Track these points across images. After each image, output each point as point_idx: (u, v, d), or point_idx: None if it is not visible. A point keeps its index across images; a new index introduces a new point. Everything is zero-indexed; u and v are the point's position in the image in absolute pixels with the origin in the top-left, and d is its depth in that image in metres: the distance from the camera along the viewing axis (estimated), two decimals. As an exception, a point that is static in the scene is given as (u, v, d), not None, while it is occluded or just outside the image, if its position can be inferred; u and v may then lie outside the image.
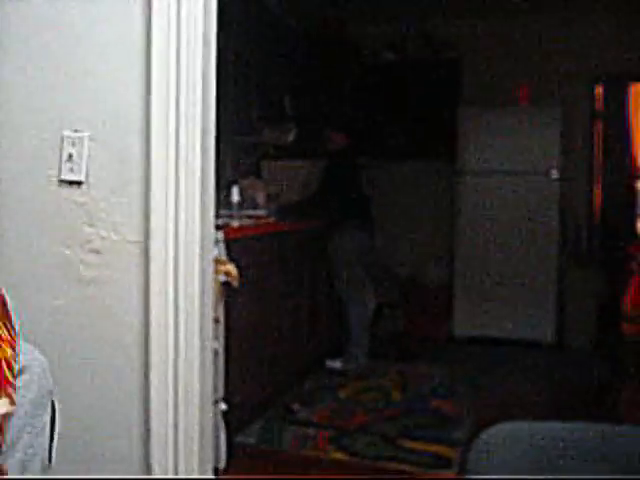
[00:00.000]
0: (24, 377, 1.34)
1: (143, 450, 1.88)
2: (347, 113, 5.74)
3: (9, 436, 1.30)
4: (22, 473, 1.34)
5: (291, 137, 4.94)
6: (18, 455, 1.33)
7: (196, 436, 1.90)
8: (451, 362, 5.05)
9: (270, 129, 4.72)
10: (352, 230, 4.71)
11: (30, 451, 1.35)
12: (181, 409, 1.87)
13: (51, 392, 1.41)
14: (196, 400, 1.89)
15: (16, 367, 1.32)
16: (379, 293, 5.68)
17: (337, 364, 4.74)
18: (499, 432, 1.09)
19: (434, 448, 3.35)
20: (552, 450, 1.13)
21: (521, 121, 5.53)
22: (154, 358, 1.87)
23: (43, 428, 1.39)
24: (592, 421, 1.32)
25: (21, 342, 1.38)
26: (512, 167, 5.54)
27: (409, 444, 3.40)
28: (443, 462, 3.18)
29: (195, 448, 1.90)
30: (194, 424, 1.89)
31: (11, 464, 1.31)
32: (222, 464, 2.91)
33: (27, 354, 1.37)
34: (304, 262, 4.45)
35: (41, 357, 1.41)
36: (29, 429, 1.35)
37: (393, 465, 3.17)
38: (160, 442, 1.86)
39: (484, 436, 1.09)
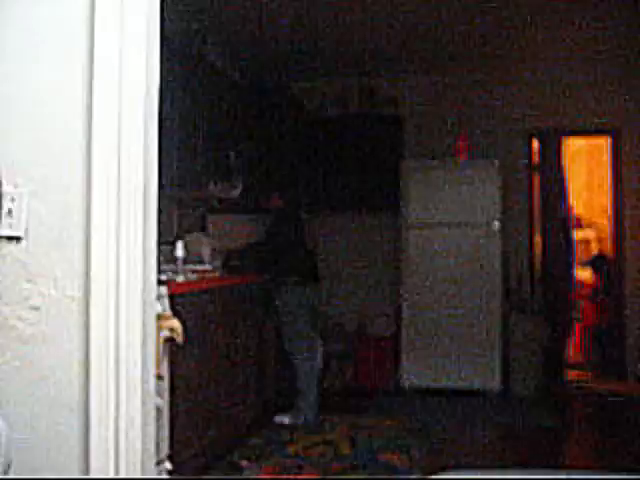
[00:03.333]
0: None
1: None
2: (291, 168, 5.80)
3: None
4: None
5: (237, 192, 4.95)
6: None
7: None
8: (399, 414, 5.05)
9: (216, 184, 4.74)
10: (298, 285, 4.72)
11: None
12: (122, 469, 1.82)
13: (11, 462, 1.36)
14: (138, 459, 1.85)
15: None
16: (327, 346, 5.67)
17: (286, 419, 4.69)
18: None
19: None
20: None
21: (462, 174, 5.68)
22: (94, 416, 1.83)
23: None
24: (538, 467, 1.33)
25: None
26: (454, 219, 5.65)
27: (358, 498, 3.37)
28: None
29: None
30: (137, 483, 1.85)
31: None
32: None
33: None
34: (250, 317, 4.43)
35: (2, 424, 1.35)
36: None
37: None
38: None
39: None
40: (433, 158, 5.94)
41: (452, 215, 5.67)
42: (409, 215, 5.75)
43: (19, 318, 1.92)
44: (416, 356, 5.70)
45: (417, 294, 5.73)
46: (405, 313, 5.78)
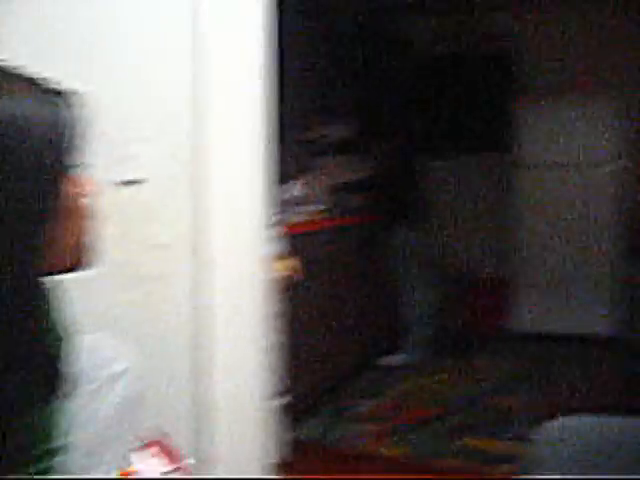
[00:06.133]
0: (123, 381, 1.38)
1: (195, 442, 1.90)
2: (402, 109, 5.71)
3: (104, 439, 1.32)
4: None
5: (349, 132, 4.94)
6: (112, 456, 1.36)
7: (255, 429, 1.92)
8: (511, 358, 4.98)
9: (329, 125, 4.73)
10: (409, 225, 4.69)
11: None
12: (238, 403, 1.90)
13: (143, 392, 1.44)
14: (255, 393, 1.92)
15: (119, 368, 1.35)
16: (438, 289, 5.64)
17: (396, 359, 4.73)
18: (561, 426, 1.08)
19: (494, 444, 3.31)
20: (612, 444, 1.10)
21: (579, 111, 5.40)
22: (213, 351, 1.90)
23: (135, 426, 1.43)
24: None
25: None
26: (570, 158, 5.42)
27: (469, 441, 3.37)
28: (504, 458, 3.14)
29: (254, 441, 1.92)
30: (253, 417, 1.92)
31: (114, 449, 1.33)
32: (280, 459, 2.93)
33: (125, 356, 1.41)
34: (364, 257, 4.45)
35: (135, 359, 1.44)
36: (126, 430, 1.39)
37: (453, 462, 3.15)
38: (219, 436, 1.89)
39: (546, 430, 1.08)
40: (548, 95, 5.66)
41: (568, 154, 5.42)
42: (522, 154, 5.55)
43: (140, 258, 2.00)
44: (528, 300, 5.58)
45: (530, 236, 5.57)
46: (518, 255, 5.64)
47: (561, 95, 5.57)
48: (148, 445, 1.00)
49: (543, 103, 5.54)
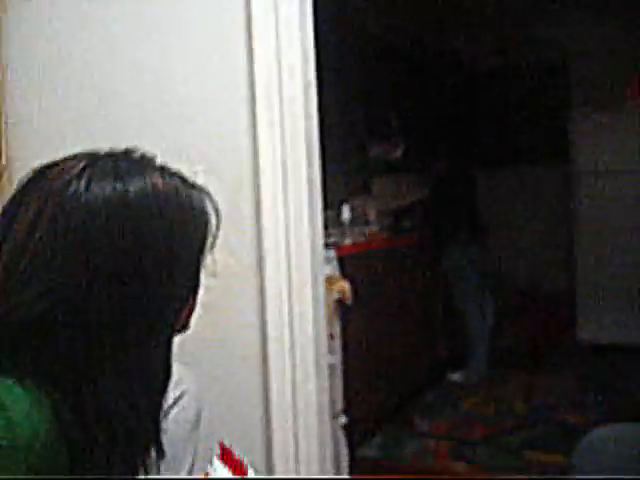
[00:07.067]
0: (183, 401, 1.46)
1: (265, 460, 1.99)
2: (453, 124, 5.73)
3: (172, 456, 1.39)
4: None
5: (399, 152, 4.99)
6: (184, 474, 1.44)
7: (316, 447, 1.99)
8: (576, 372, 4.91)
9: (377, 145, 4.79)
10: (464, 243, 4.69)
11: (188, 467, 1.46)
12: (300, 420, 1.97)
13: (201, 411, 1.52)
14: (314, 411, 1.98)
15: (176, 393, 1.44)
16: (497, 303, 5.61)
17: (457, 376, 4.71)
18: (602, 435, 1.10)
19: (559, 459, 3.28)
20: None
21: (636, 120, 5.33)
22: (273, 373, 1.98)
23: (197, 445, 1.50)
24: None
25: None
26: (630, 166, 5.35)
27: (533, 455, 3.35)
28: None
29: (315, 458, 1.99)
30: (313, 435, 1.98)
31: None
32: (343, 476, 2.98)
33: (185, 378, 1.49)
34: (419, 275, 4.47)
35: (194, 379, 1.52)
36: (191, 449, 1.47)
37: (517, 477, 3.13)
38: (282, 452, 1.96)
39: (587, 439, 1.11)
40: (604, 105, 5.60)
41: (628, 162, 5.35)
42: (580, 164, 5.50)
43: (205, 285, 2.09)
44: (593, 312, 5.49)
45: (593, 245, 5.49)
46: (580, 265, 5.56)
47: (615, 106, 5.49)
48: (220, 456, 1.09)
49: (598, 113, 5.48)
